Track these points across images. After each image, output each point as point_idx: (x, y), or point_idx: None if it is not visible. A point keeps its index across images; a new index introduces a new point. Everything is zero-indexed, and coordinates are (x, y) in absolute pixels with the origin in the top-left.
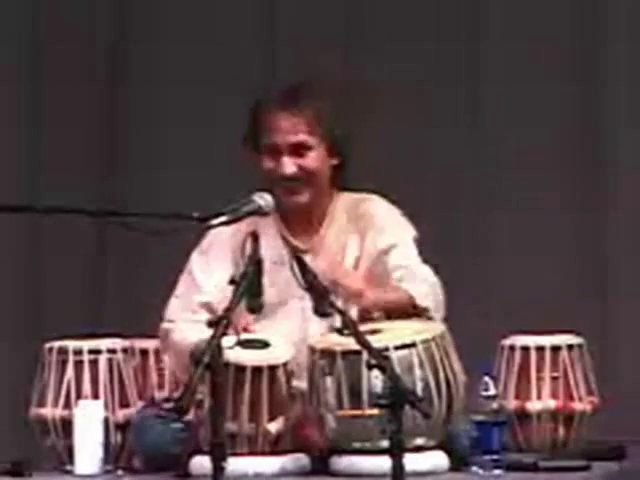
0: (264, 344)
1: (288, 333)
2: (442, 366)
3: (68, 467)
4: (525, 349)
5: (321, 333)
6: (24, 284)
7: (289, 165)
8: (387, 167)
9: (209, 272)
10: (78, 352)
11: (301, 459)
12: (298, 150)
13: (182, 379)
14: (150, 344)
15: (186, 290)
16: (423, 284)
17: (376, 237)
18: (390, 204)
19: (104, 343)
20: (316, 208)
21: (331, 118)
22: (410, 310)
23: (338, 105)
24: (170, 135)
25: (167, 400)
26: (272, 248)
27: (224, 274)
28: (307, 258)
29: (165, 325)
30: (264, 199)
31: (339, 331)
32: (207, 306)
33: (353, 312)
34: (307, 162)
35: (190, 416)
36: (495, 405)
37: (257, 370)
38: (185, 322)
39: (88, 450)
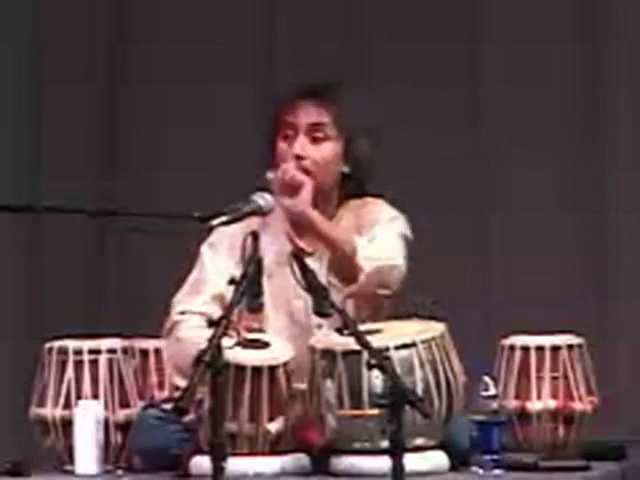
0: (264, 344)
1: (290, 329)
2: (442, 366)
3: (68, 467)
4: (525, 349)
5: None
6: (24, 284)
7: (301, 146)
8: (387, 167)
9: (219, 265)
10: (78, 352)
11: (301, 459)
12: (315, 133)
13: (176, 383)
14: (150, 344)
15: (198, 280)
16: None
17: (367, 234)
18: (389, 206)
19: (104, 343)
20: (319, 210)
21: (349, 119)
22: (345, 264)
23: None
24: (170, 135)
25: (167, 400)
26: (278, 244)
27: (232, 270)
28: (311, 260)
29: (175, 317)
30: (264, 199)
31: (339, 331)
32: (219, 298)
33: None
34: (318, 154)
35: (190, 416)
36: (495, 405)
37: (257, 370)
38: (195, 315)
39: (88, 450)
